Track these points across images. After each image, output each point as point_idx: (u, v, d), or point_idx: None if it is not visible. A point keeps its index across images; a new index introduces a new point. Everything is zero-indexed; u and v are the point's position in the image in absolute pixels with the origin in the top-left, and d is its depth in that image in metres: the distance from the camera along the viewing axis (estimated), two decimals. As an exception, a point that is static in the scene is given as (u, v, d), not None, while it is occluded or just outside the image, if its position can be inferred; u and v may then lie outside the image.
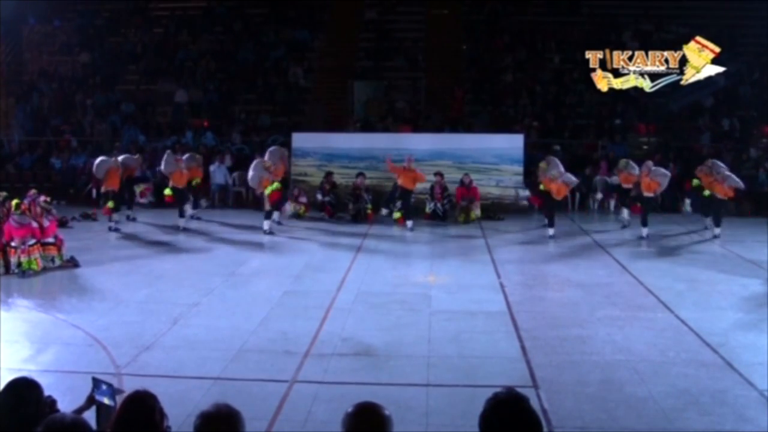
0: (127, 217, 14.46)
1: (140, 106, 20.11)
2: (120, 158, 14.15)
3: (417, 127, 18.21)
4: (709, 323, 7.79)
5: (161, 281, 9.78)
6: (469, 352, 6.90)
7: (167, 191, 13.83)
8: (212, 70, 20.86)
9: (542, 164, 13.62)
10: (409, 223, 13.77)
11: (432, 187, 15.04)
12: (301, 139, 16.67)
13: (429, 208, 15.02)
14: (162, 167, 14.02)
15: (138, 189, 15.11)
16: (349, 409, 2.53)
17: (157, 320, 7.81)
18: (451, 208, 15.02)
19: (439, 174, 15.05)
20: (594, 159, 17.16)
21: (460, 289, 9.33)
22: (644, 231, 12.85)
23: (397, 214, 14.17)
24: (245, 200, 17.14)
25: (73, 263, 10.51)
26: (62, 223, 12.82)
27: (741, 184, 13.01)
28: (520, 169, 15.97)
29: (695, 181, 13.67)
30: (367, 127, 18.57)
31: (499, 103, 19.47)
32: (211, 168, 16.66)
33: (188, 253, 11.79)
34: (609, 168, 16.53)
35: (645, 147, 17.87)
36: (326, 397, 5.80)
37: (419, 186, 14.41)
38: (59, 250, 10.52)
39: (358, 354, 6.86)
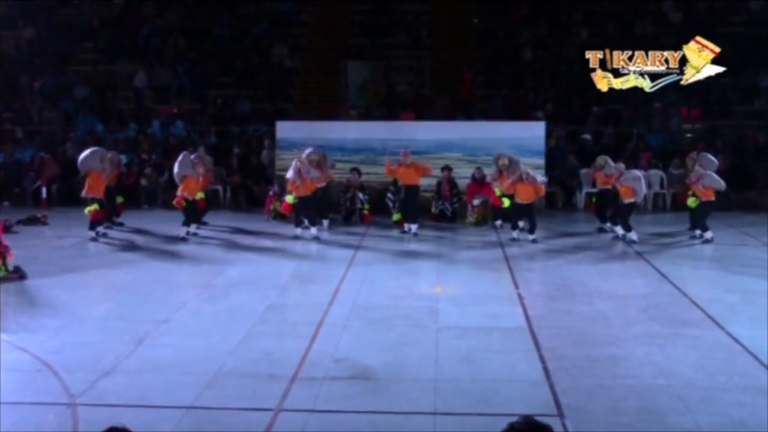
0: (113, 224, 14.08)
1: (98, 90, 20.12)
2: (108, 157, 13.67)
3: (421, 115, 18.23)
4: (766, 342, 7.77)
5: (124, 294, 9.78)
6: (482, 375, 6.92)
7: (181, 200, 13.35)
8: (182, 48, 20.90)
9: (502, 161, 13.66)
10: (413, 227, 13.54)
11: (439, 184, 15.05)
12: (286, 129, 16.68)
13: (436, 208, 15.03)
14: (176, 171, 13.48)
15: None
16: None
17: (119, 340, 7.79)
18: (461, 208, 15.02)
19: (447, 168, 15.06)
20: (628, 150, 17.13)
21: (472, 301, 9.35)
22: (633, 234, 12.94)
23: (396, 216, 14.10)
24: (222, 200, 17.08)
25: (18, 274, 10.46)
26: (6, 228, 12.78)
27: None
28: (541, 161, 15.97)
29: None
30: (363, 114, 18.58)
31: (516, 85, 19.51)
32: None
33: (156, 262, 11.79)
34: (649, 160, 16.52)
35: (689, 135, 17.85)
36: (317, 427, 5.81)
37: (424, 182, 14.35)
38: (4, 258, 10.48)
39: (354, 377, 6.88)
